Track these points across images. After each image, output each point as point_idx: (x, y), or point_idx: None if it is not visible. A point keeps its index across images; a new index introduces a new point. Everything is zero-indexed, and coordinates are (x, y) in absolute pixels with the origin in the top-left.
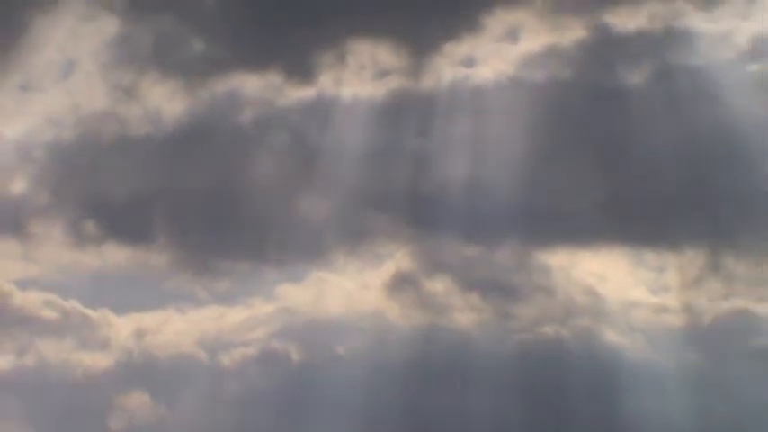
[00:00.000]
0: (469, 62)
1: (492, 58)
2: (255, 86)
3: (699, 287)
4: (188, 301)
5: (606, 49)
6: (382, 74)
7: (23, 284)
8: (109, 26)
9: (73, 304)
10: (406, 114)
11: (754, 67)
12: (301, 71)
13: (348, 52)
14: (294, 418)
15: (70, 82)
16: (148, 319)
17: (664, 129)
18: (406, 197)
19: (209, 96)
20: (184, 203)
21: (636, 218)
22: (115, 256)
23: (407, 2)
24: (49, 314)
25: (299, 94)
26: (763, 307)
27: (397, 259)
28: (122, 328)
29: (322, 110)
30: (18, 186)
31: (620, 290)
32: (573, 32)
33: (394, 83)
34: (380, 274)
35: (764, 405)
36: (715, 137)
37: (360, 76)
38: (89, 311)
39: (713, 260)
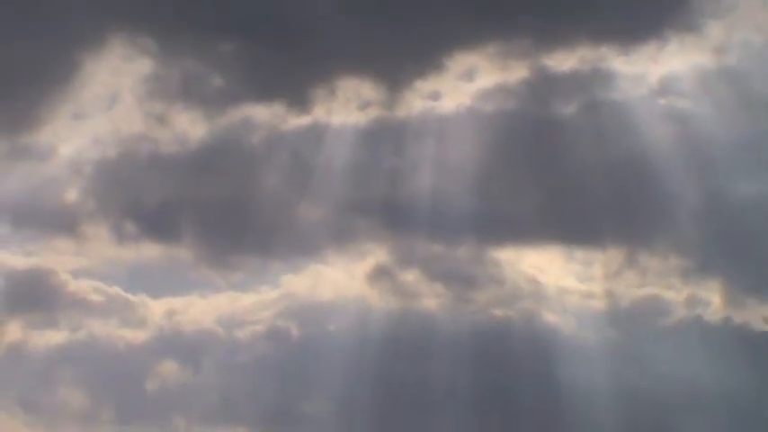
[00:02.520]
0: (435, 96)
1: (453, 93)
2: (263, 115)
3: (618, 277)
4: (209, 288)
5: (544, 86)
6: (365, 105)
7: (76, 274)
8: (144, 66)
9: (116, 290)
10: (384, 138)
11: (662, 102)
12: (300, 102)
13: (338, 87)
14: (294, 382)
15: (113, 111)
16: (177, 302)
17: (590, 151)
18: (384, 204)
19: (225, 123)
20: (206, 209)
21: (568, 221)
22: (150, 251)
23: (386, 47)
24: (96, 298)
25: (299, 121)
26: (670, 293)
27: (377, 255)
28: (156, 309)
29: (317, 134)
30: (71, 195)
31: (556, 279)
32: (518, 73)
33: (374, 112)
34: (363, 267)
35: (671, 373)
36: (631, 157)
37: (347, 107)
38: (129, 296)
39: (630, 256)
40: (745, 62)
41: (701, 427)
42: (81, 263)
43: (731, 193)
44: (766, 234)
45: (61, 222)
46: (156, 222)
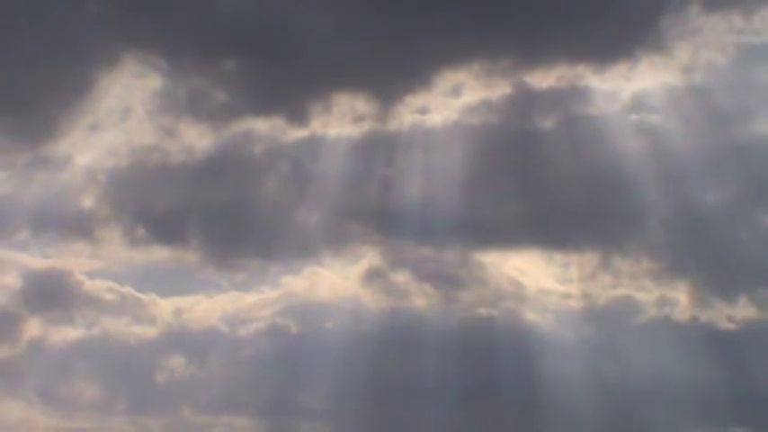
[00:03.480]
0: (424, 110)
1: (440, 107)
2: (264, 127)
3: (594, 279)
4: (214, 288)
5: (525, 102)
6: (359, 118)
7: (91, 275)
8: (155, 82)
9: (128, 290)
10: (376, 149)
11: (634, 117)
12: (298, 116)
13: (333, 102)
14: (292, 375)
15: (126, 123)
16: (184, 301)
17: (568, 161)
18: (376, 211)
19: (229, 135)
20: (211, 215)
21: (547, 227)
22: (159, 253)
23: (378, 65)
24: (110, 297)
25: (297, 133)
26: (642, 294)
27: (370, 257)
28: (165, 308)
29: (314, 145)
30: (87, 202)
31: (536, 281)
32: (501, 89)
33: (367, 125)
34: (357, 269)
35: (643, 367)
36: (605, 168)
37: (342, 120)
38: (140, 295)
39: (605, 259)
40: (710, 80)
41: (669, 416)
42: (96, 264)
43: (698, 202)
44: (730, 239)
45: (78, 227)
46: (165, 227)
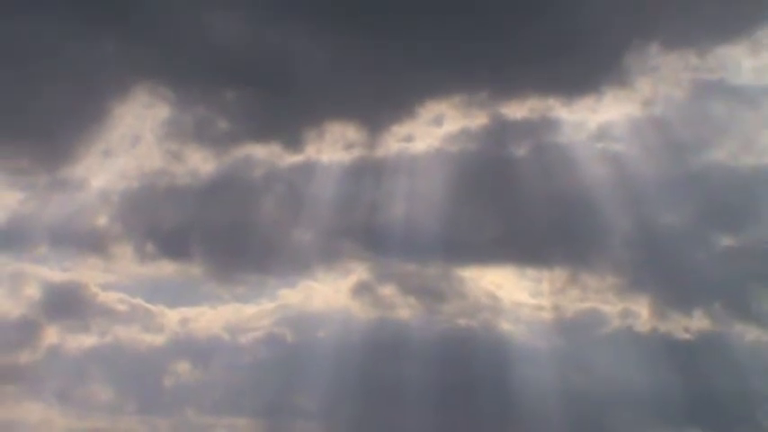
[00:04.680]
0: (409, 138)
1: (424, 136)
2: (262, 153)
3: (563, 293)
4: (216, 300)
5: (501, 131)
6: (349, 146)
7: (105, 287)
8: (163, 111)
9: (138, 301)
10: (365, 174)
11: (599, 145)
12: (294, 143)
13: (326, 130)
14: (288, 379)
15: (136, 149)
16: (189, 311)
17: (539, 186)
18: (365, 230)
19: (230, 160)
20: (214, 233)
21: (521, 245)
22: (167, 268)
23: (367, 96)
24: (121, 308)
25: (293, 159)
26: (607, 307)
27: (359, 272)
28: (172, 317)
29: (308, 170)
30: (101, 220)
31: (510, 294)
32: (479, 119)
33: (357, 152)
34: (347, 283)
35: (607, 375)
36: (573, 191)
37: (334, 147)
38: (149, 306)
39: (573, 275)
40: (668, 113)
41: (631, 421)
42: (109, 278)
43: (657, 223)
44: (687, 258)
45: (92, 243)
46: (172, 244)
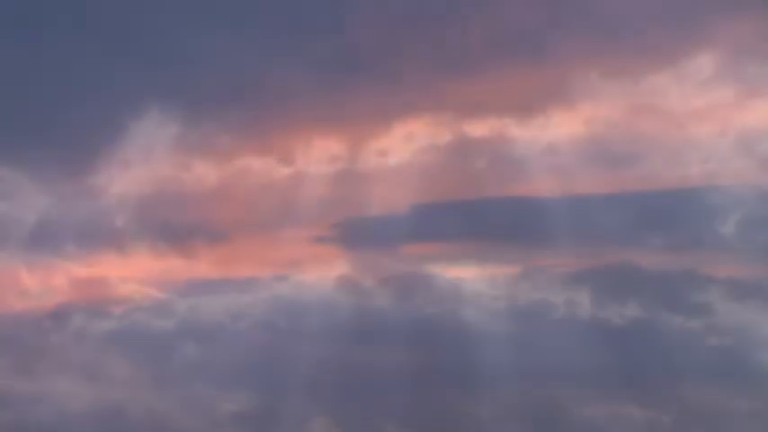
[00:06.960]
0: (384, 153)
1: (397, 150)
2: (259, 165)
3: (517, 285)
4: (219, 291)
5: (464, 146)
6: (334, 159)
7: (123, 280)
8: (173, 128)
9: (152, 291)
10: (347, 183)
11: (548, 159)
12: (285, 156)
13: (314, 146)
14: (280, 360)
15: (150, 160)
16: (196, 301)
17: (497, 194)
18: (348, 230)
19: (231, 170)
20: (217, 233)
21: (483, 243)
22: (177, 263)
23: (349, 116)
24: (137, 297)
25: (285, 170)
26: (554, 297)
27: (342, 267)
28: (181, 305)
29: (298, 179)
30: (119, 222)
31: (473, 286)
32: (445, 136)
33: (340, 164)
34: (331, 276)
35: (554, 356)
36: (526, 198)
37: (320, 160)
38: (161, 295)
39: (525, 270)
40: (607, 131)
41: (575, 394)
42: (126, 272)
43: (597, 226)
44: (622, 255)
45: (112, 242)
46: (182, 242)
